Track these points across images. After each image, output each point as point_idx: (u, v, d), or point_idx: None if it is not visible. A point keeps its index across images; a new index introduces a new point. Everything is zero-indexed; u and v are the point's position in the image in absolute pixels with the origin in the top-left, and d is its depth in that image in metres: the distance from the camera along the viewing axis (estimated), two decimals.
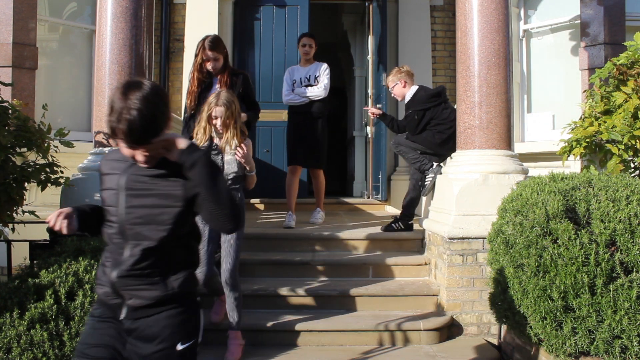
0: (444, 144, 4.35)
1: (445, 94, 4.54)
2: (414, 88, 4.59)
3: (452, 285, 3.56)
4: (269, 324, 3.38)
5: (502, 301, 2.97)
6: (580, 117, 3.71)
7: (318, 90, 4.84)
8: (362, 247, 4.22)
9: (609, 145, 3.39)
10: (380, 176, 6.56)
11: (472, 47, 3.78)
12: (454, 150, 4.00)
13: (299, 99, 4.87)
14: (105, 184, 1.76)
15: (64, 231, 1.70)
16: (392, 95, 4.85)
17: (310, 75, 4.91)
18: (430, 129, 4.41)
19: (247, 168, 3.12)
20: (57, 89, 5.58)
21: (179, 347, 1.67)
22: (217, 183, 1.64)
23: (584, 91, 4.08)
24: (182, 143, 1.64)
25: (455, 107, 4.49)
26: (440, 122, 4.38)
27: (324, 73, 4.90)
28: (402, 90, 4.63)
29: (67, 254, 2.94)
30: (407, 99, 4.61)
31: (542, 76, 5.79)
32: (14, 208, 3.20)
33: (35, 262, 3.08)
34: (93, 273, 2.74)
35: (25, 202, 3.27)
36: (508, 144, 3.77)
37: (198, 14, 6.46)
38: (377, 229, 4.46)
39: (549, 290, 2.58)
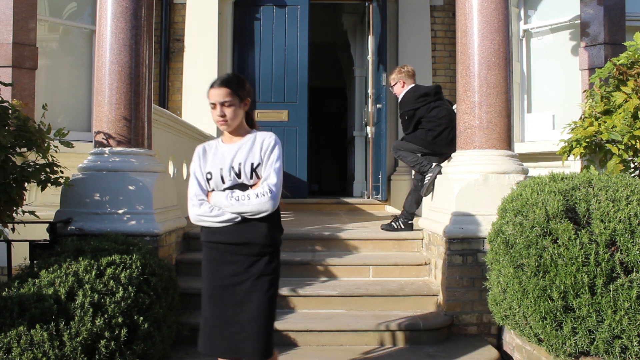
0: (435, 140, 4.46)
1: (438, 93, 4.62)
2: (407, 88, 4.70)
3: (452, 285, 3.56)
4: None
5: (502, 301, 2.97)
6: (580, 117, 3.71)
7: (258, 201, 2.25)
8: (362, 247, 4.22)
9: (609, 145, 3.39)
10: (380, 176, 6.57)
11: (472, 47, 3.78)
12: (448, 148, 4.01)
13: (222, 215, 2.29)
14: None
15: None
16: (393, 92, 4.90)
17: (241, 164, 2.31)
18: (422, 127, 4.53)
19: None
20: (57, 89, 5.57)
21: None
22: None
23: (584, 91, 4.07)
24: None
25: (449, 105, 4.61)
26: (430, 120, 4.50)
27: (267, 158, 2.31)
28: (401, 89, 4.75)
29: (67, 254, 2.93)
30: (400, 99, 4.75)
31: (542, 76, 5.79)
32: (14, 208, 3.19)
33: (35, 262, 3.07)
34: (93, 273, 2.74)
35: (25, 202, 3.26)
36: (508, 144, 3.78)
37: (198, 14, 6.47)
38: (377, 229, 4.46)
39: (549, 290, 2.58)
